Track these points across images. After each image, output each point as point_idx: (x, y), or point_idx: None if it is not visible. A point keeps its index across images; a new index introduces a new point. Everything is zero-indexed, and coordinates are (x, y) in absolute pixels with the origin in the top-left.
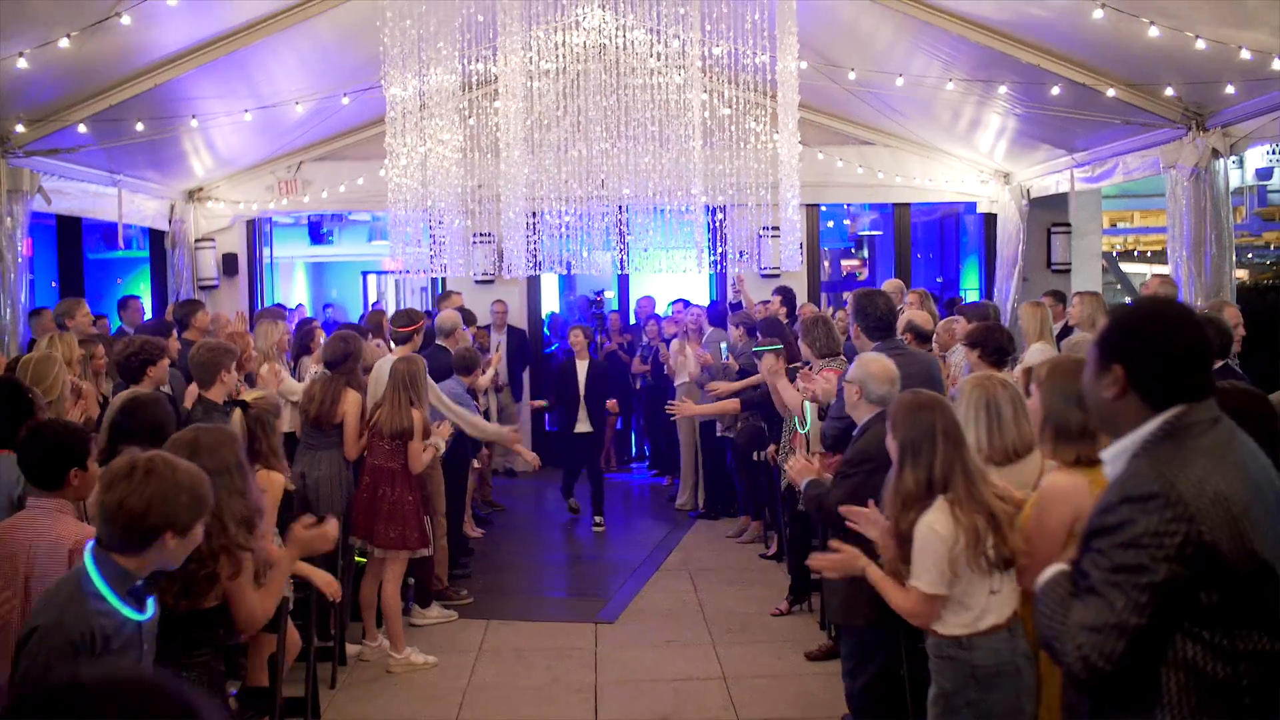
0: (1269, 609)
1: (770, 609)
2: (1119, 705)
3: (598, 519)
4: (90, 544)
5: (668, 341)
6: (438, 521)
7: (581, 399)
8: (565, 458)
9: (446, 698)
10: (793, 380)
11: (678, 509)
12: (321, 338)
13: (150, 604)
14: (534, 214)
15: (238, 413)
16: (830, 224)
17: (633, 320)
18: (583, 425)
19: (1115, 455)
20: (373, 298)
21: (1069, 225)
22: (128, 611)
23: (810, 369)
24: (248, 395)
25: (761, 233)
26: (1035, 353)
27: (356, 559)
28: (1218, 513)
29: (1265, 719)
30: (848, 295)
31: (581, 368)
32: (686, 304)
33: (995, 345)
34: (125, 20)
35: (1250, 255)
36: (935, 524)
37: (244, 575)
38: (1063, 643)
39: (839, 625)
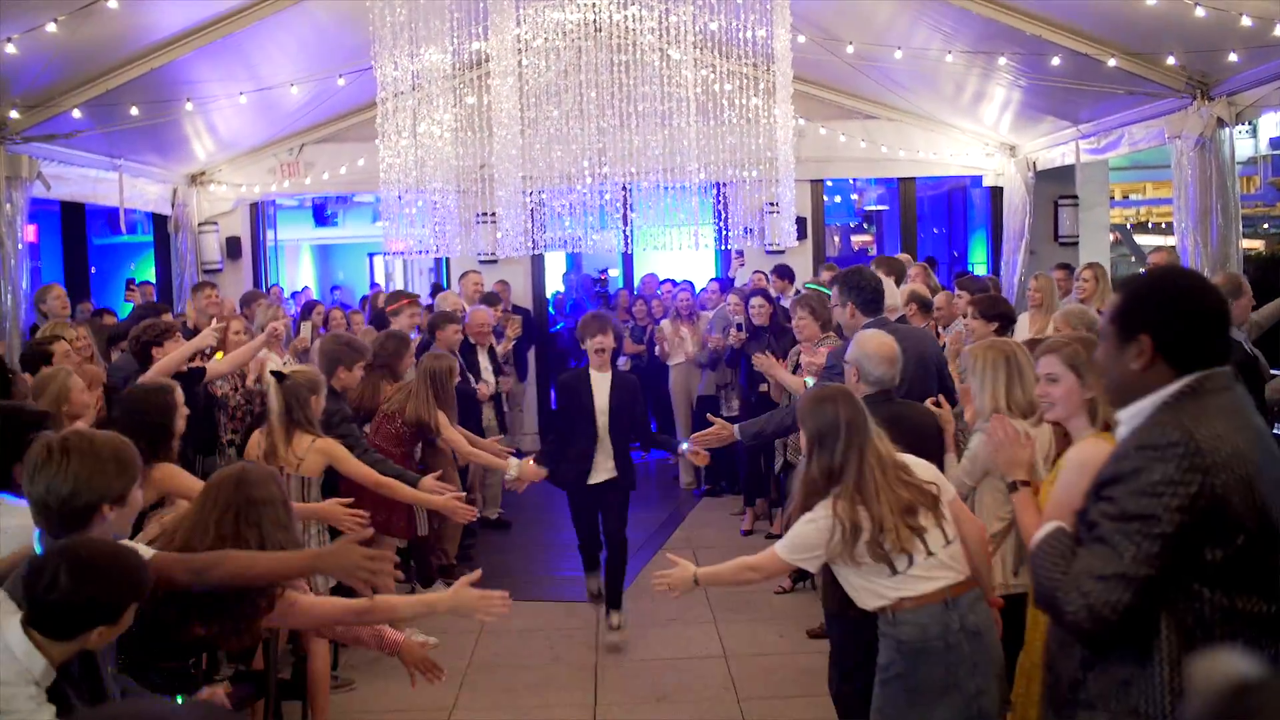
0: (1269, 572)
1: (773, 586)
2: (1114, 656)
3: (614, 618)
4: (36, 534)
5: (658, 321)
6: None
7: (602, 431)
8: (576, 520)
9: (447, 678)
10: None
11: (683, 488)
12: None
13: None
14: (531, 193)
15: (274, 384)
16: (838, 199)
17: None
18: (601, 472)
19: (1133, 415)
20: (379, 279)
21: (1076, 197)
22: None
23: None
24: (289, 369)
25: (764, 209)
26: (1022, 323)
27: None
28: (1233, 468)
29: None
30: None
31: (601, 383)
32: (675, 284)
33: (1009, 317)
34: (112, 4)
35: (1266, 225)
36: (815, 518)
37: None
38: (1066, 593)
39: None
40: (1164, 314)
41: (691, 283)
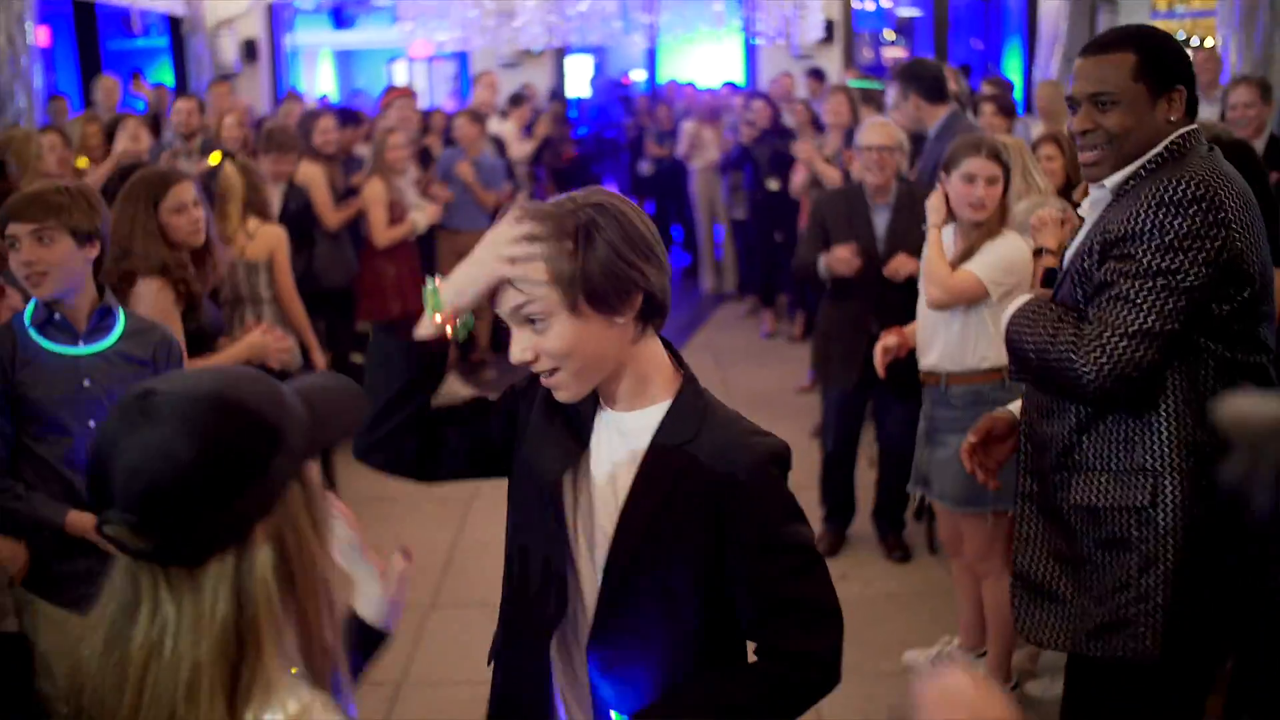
0: (1260, 325)
1: (796, 385)
2: (1113, 416)
3: None
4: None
5: (679, 121)
6: None
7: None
8: None
9: (448, 510)
10: None
11: (708, 291)
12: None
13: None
14: None
15: (231, 166)
16: (870, 5)
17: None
18: None
19: (1120, 180)
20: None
21: (1115, 1)
22: (44, 342)
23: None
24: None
25: (791, 10)
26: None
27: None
28: (1245, 221)
29: None
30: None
31: (607, 468)
32: (695, 88)
33: None
34: None
35: None
36: (1021, 246)
37: None
38: (1084, 354)
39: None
40: (1184, 64)
41: (711, 88)
